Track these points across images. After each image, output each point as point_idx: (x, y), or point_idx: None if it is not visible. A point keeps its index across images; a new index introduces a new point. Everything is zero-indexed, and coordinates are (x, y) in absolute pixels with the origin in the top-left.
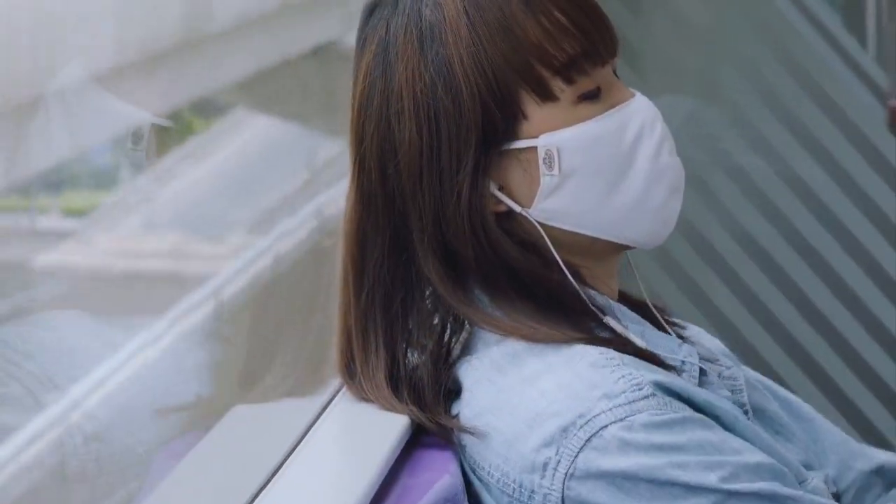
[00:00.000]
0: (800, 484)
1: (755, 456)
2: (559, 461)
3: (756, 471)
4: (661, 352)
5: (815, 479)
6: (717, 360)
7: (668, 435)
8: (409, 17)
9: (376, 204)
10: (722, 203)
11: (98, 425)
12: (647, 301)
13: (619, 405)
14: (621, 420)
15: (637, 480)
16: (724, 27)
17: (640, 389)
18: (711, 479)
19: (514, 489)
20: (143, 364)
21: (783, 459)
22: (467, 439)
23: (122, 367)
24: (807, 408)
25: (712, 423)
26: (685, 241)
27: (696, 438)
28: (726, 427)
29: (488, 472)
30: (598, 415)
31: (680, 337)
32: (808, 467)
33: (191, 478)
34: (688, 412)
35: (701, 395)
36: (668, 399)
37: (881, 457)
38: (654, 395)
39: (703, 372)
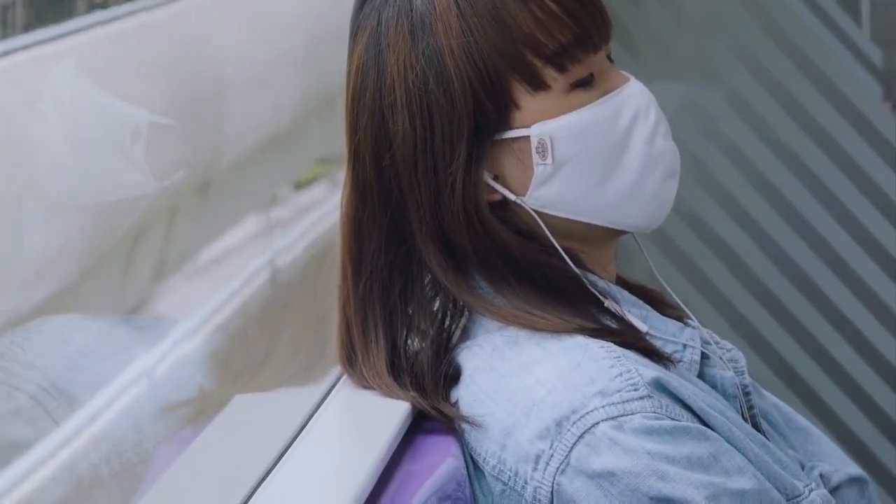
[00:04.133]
0: (794, 499)
1: (743, 481)
2: (552, 455)
3: (740, 498)
4: (662, 335)
5: (813, 494)
6: (719, 342)
7: (657, 443)
8: (399, 8)
9: (372, 194)
10: (720, 184)
11: (107, 426)
12: (644, 284)
13: (613, 403)
14: (613, 419)
15: (617, 481)
16: (718, 9)
17: (636, 389)
18: (692, 496)
19: (509, 477)
20: (152, 363)
21: (779, 461)
22: (466, 426)
23: (133, 368)
24: (801, 419)
25: (706, 433)
26: (684, 224)
27: (686, 452)
28: (720, 434)
29: (484, 459)
30: (591, 411)
31: (680, 320)
32: (802, 466)
33: (194, 467)
34: (682, 421)
35: (698, 400)
36: (664, 402)
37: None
38: (649, 396)
39: (704, 356)
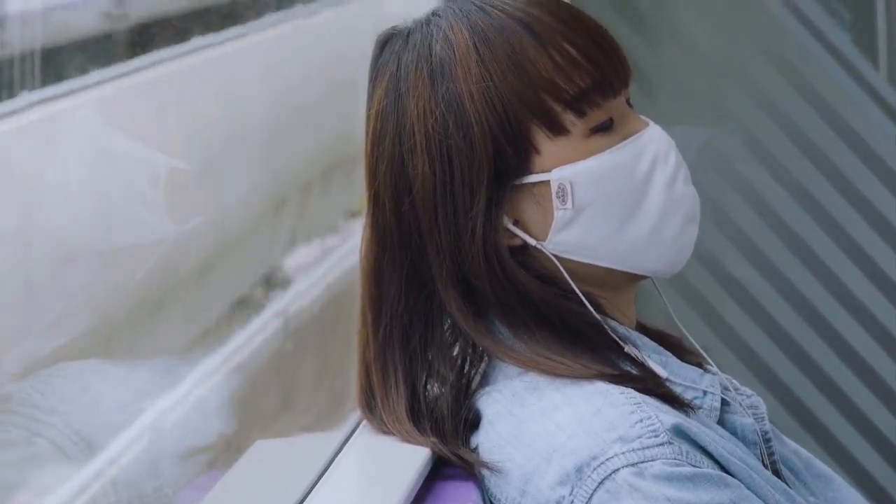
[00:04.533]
0: None
1: None
2: (572, 501)
3: None
4: (682, 381)
5: None
6: (738, 388)
7: (678, 489)
8: (419, 53)
9: (392, 239)
10: (738, 228)
11: (127, 471)
12: (663, 330)
13: (634, 450)
14: (633, 465)
15: None
16: (735, 53)
17: (656, 436)
18: None
19: None
20: (170, 407)
21: None
22: (486, 472)
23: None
24: (821, 465)
25: (727, 480)
26: (703, 269)
27: (706, 499)
28: (741, 481)
29: None
30: (611, 457)
31: (699, 366)
32: None
33: None
34: (703, 468)
35: (718, 447)
36: (685, 448)
37: None
38: (670, 442)
39: (724, 402)
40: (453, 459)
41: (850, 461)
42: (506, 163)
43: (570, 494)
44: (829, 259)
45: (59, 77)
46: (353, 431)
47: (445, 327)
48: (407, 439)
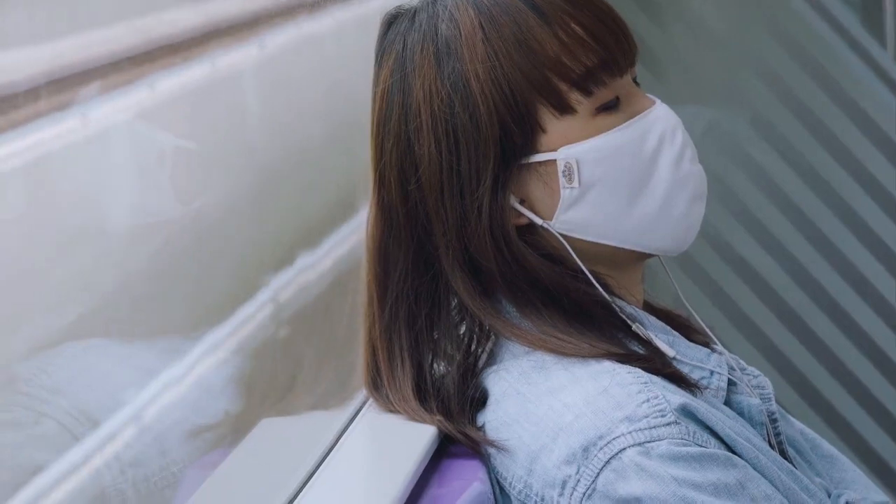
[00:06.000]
0: None
1: None
2: (578, 481)
3: None
4: (689, 361)
5: None
6: (745, 369)
7: (684, 469)
8: (425, 33)
9: (398, 219)
10: (745, 207)
11: (134, 451)
12: (671, 309)
13: (640, 429)
14: (640, 444)
15: None
16: (743, 32)
17: (663, 416)
18: None
19: (535, 502)
20: (176, 387)
21: (806, 488)
22: (492, 450)
23: (157, 391)
24: (828, 445)
25: (733, 460)
26: (710, 248)
27: (713, 479)
28: (747, 461)
29: (510, 484)
30: (617, 437)
31: (706, 345)
32: (828, 493)
33: (220, 491)
34: (710, 448)
35: (725, 427)
36: (692, 428)
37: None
38: (676, 422)
39: (731, 382)
40: (459, 438)
41: (857, 440)
42: (512, 142)
43: (577, 473)
44: (836, 238)
45: None
46: (359, 410)
47: (452, 306)
48: (413, 417)
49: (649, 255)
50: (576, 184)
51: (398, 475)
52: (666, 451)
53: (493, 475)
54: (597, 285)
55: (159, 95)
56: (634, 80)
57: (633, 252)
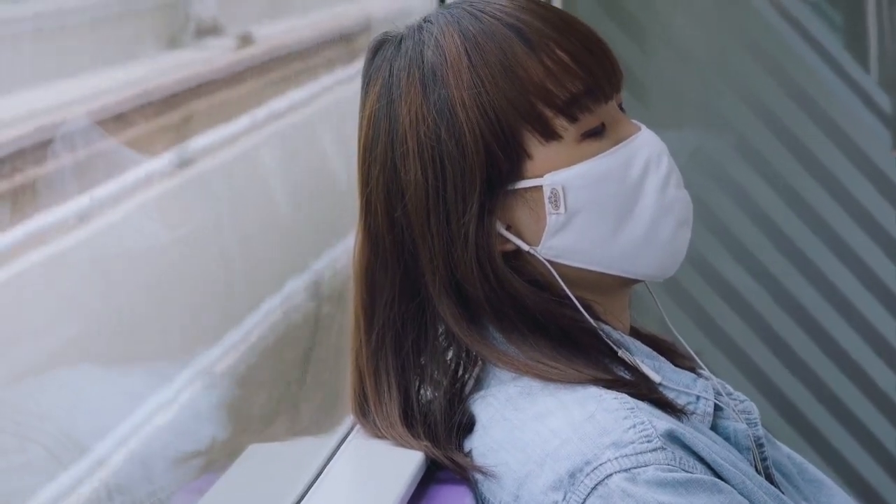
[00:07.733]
0: None
1: None
2: None
3: None
4: (676, 387)
5: None
6: (731, 393)
7: (671, 495)
8: (411, 59)
9: (384, 245)
10: (730, 232)
11: (121, 477)
12: (657, 334)
13: (627, 455)
14: (626, 470)
15: None
16: (727, 58)
17: (649, 441)
18: None
19: None
20: (163, 412)
21: None
22: (479, 476)
23: (144, 417)
24: (814, 470)
25: (719, 485)
26: (695, 273)
27: None
28: (733, 486)
29: None
30: (604, 463)
31: (692, 370)
32: None
33: None
34: (696, 473)
35: (711, 452)
36: (678, 454)
37: None
38: (663, 448)
39: (717, 407)
40: (447, 463)
41: (843, 465)
42: (498, 168)
43: (564, 499)
44: (821, 261)
45: None
46: (346, 436)
47: (439, 332)
48: (400, 443)
49: (636, 281)
50: (562, 210)
51: (386, 501)
52: (652, 477)
53: (480, 501)
54: (583, 311)
55: None
56: (620, 107)
57: (620, 278)
